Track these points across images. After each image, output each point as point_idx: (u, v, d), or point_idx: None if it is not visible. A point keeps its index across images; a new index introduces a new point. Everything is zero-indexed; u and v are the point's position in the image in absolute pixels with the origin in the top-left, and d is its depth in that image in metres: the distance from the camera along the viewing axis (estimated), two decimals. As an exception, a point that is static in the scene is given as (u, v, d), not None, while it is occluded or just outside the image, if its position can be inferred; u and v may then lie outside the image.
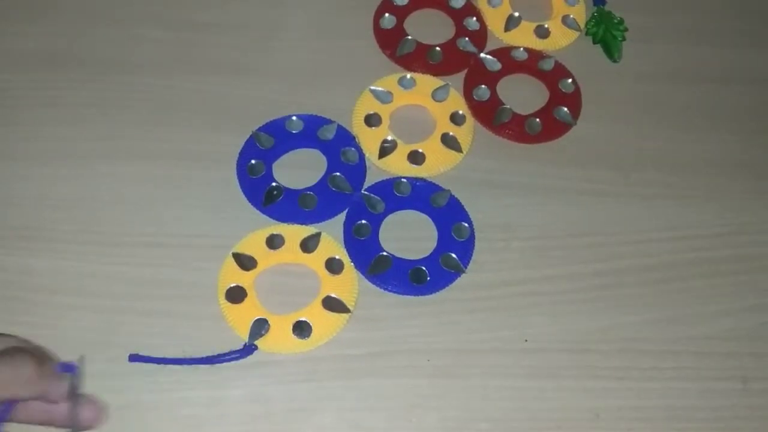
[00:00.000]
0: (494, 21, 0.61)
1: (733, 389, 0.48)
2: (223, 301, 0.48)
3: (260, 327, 0.47)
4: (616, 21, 0.61)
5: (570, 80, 0.58)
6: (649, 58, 0.61)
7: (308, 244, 0.50)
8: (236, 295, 0.48)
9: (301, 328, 0.47)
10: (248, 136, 0.53)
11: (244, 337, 0.47)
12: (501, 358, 0.48)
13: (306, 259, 0.49)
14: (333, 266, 0.49)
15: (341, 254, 0.50)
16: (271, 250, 0.49)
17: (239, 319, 0.47)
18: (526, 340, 0.49)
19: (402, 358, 0.47)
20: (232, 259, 0.49)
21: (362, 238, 0.51)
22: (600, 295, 0.51)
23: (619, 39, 0.61)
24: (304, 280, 0.49)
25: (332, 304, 0.48)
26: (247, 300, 0.48)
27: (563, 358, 0.48)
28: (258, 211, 0.51)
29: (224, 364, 0.46)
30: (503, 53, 0.59)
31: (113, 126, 0.54)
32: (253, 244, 0.49)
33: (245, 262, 0.49)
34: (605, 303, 0.50)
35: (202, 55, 0.58)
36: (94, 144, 0.53)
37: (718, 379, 0.48)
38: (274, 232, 0.50)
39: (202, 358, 0.45)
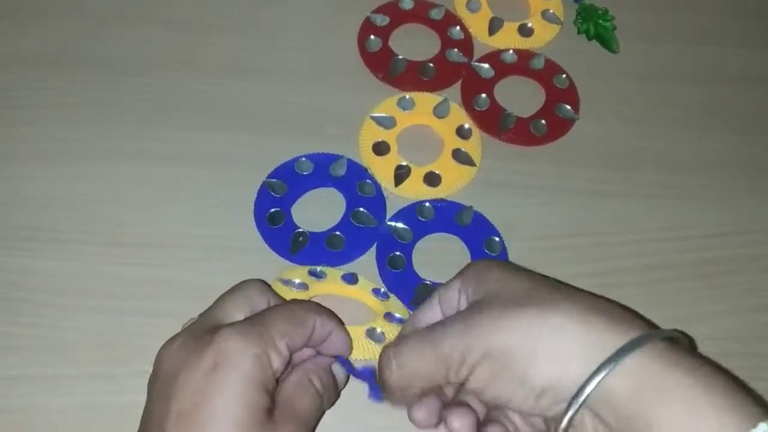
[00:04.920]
0: (477, 27, 0.60)
1: (733, 389, 0.48)
2: None
3: None
4: (601, 12, 0.61)
5: (564, 75, 0.59)
6: (648, 57, 0.61)
7: (348, 279, 0.49)
8: None
9: (375, 336, 0.46)
10: (260, 184, 0.52)
11: None
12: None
13: (352, 292, 0.49)
14: (380, 295, 0.49)
15: (383, 288, 0.49)
16: (317, 280, 0.48)
17: None
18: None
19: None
20: (282, 284, 0.48)
21: (398, 270, 0.50)
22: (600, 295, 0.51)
23: (611, 29, 0.61)
24: (356, 307, 0.49)
25: (393, 319, 0.48)
26: None
27: (564, 358, 0.48)
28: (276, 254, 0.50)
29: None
30: (493, 58, 0.59)
31: (113, 126, 0.54)
32: (297, 273, 0.49)
33: (298, 286, 0.48)
34: (605, 303, 0.51)
35: (202, 55, 0.58)
36: (94, 144, 0.53)
37: (719, 379, 0.48)
38: (317, 268, 0.49)
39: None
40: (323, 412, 0.41)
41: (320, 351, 0.41)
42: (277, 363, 0.36)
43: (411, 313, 0.43)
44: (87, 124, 0.54)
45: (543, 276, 0.38)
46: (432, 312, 0.40)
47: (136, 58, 0.57)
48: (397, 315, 0.48)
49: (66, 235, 0.50)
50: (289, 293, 0.48)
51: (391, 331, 0.47)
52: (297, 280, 0.48)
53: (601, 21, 0.61)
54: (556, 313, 0.34)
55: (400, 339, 0.38)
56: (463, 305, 0.38)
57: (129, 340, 0.47)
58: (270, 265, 0.49)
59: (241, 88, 0.56)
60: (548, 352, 0.33)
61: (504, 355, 0.34)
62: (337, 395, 0.42)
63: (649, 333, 0.33)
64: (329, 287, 0.49)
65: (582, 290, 0.37)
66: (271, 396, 0.36)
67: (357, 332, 0.46)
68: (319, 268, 0.49)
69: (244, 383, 0.35)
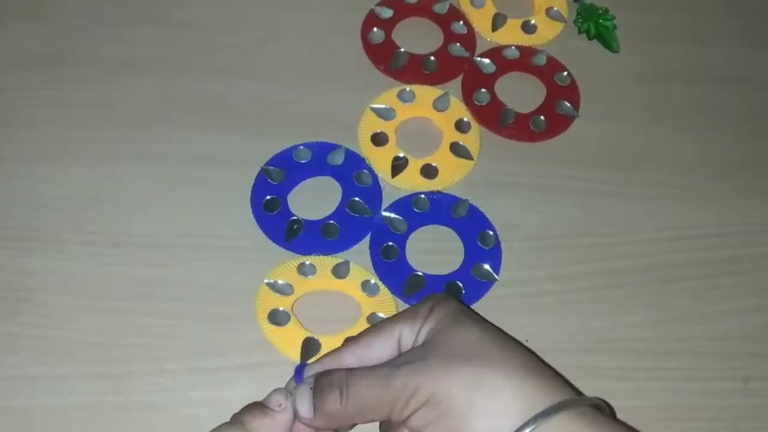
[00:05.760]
0: (480, 22, 0.61)
1: (734, 389, 0.48)
2: (266, 324, 0.47)
3: (311, 346, 0.46)
4: (601, 12, 0.61)
5: (565, 73, 0.59)
6: (648, 58, 0.61)
7: (339, 271, 0.49)
8: (279, 318, 0.47)
9: None
10: (257, 171, 0.52)
11: (295, 358, 0.46)
12: (501, 358, 0.48)
13: (340, 285, 0.49)
14: (368, 288, 0.49)
15: (373, 278, 0.49)
16: (304, 278, 0.49)
17: (286, 341, 0.47)
18: (527, 340, 0.48)
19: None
20: (267, 288, 0.48)
21: (391, 261, 0.50)
22: (600, 295, 0.51)
23: (611, 29, 0.61)
24: (343, 303, 0.49)
25: (377, 321, 0.47)
26: (290, 323, 0.47)
27: (564, 358, 0.48)
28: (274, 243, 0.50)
29: (224, 364, 0.46)
30: (495, 54, 0.59)
31: (113, 126, 0.54)
32: (285, 272, 0.49)
33: (282, 289, 0.48)
34: (605, 303, 0.51)
35: (202, 55, 0.58)
36: (94, 144, 0.53)
37: (719, 379, 0.49)
38: (305, 261, 0.49)
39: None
40: None
41: None
42: None
43: (351, 342, 0.41)
44: (87, 124, 0.54)
45: (492, 327, 0.39)
46: (384, 345, 0.40)
47: (137, 58, 0.57)
48: (382, 314, 0.48)
49: (66, 235, 0.50)
50: (274, 300, 0.48)
51: None
52: (281, 281, 0.48)
53: (601, 21, 0.61)
54: (497, 371, 0.36)
55: (352, 373, 0.38)
56: (420, 343, 0.39)
57: (129, 340, 0.47)
58: (269, 264, 0.49)
59: (242, 85, 0.56)
60: (485, 408, 0.35)
61: (444, 403, 0.36)
62: (275, 411, 0.39)
63: (576, 398, 0.36)
64: (316, 284, 0.49)
65: (521, 346, 0.38)
66: None
67: (335, 343, 0.46)
68: (308, 262, 0.49)
69: None
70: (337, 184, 0.53)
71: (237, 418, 0.38)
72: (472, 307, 0.49)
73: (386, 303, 0.48)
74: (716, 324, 0.50)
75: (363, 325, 0.47)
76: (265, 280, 0.48)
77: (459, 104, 0.57)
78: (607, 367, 0.48)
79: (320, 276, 0.49)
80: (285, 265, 0.49)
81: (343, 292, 0.49)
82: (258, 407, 0.38)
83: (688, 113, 0.59)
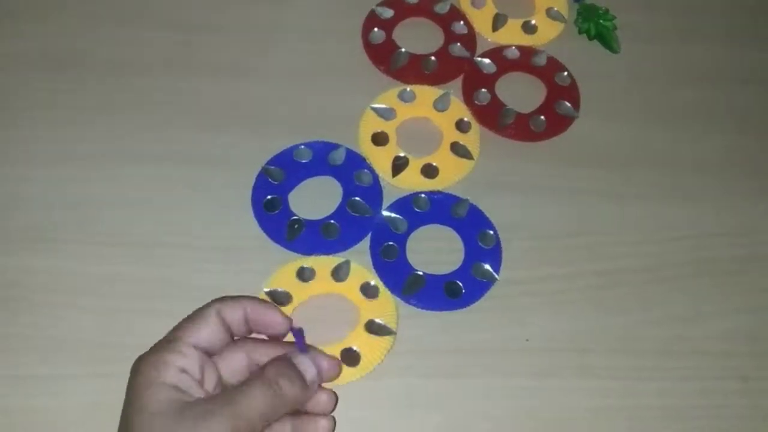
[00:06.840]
0: (481, 22, 0.61)
1: (733, 389, 0.48)
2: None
3: None
4: (602, 12, 0.61)
5: (565, 73, 0.59)
6: (648, 57, 0.61)
7: (339, 273, 0.49)
8: None
9: (350, 357, 0.46)
10: (258, 171, 0.52)
11: None
12: (502, 357, 0.48)
13: (340, 288, 0.49)
14: (368, 291, 0.49)
15: (374, 279, 0.49)
16: (304, 283, 0.49)
17: None
18: (527, 340, 0.49)
19: (403, 358, 0.47)
20: (267, 297, 0.48)
21: (391, 260, 0.50)
22: (600, 295, 0.51)
23: (612, 29, 0.61)
24: (342, 310, 0.49)
25: (375, 328, 0.48)
26: (289, 336, 0.47)
27: (564, 358, 0.48)
28: (274, 242, 0.50)
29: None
30: (496, 54, 0.59)
31: (114, 127, 0.54)
32: (284, 278, 0.49)
33: (280, 298, 0.48)
34: (605, 303, 0.51)
35: (203, 55, 0.58)
36: (94, 145, 0.53)
37: (718, 379, 0.48)
38: (304, 265, 0.49)
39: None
40: (288, 406, 0.39)
41: (262, 331, 0.42)
42: (179, 362, 0.38)
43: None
44: (87, 125, 0.54)
45: None
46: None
47: (137, 58, 0.57)
48: (380, 321, 0.48)
49: (66, 235, 0.50)
50: None
51: (368, 347, 0.47)
52: (280, 290, 0.48)
53: (602, 21, 0.61)
54: None
55: None
56: None
57: (129, 340, 0.46)
58: (269, 264, 0.49)
59: (242, 85, 0.57)
60: None
61: None
62: (309, 388, 0.40)
63: None
64: (315, 289, 0.49)
65: None
66: (196, 389, 0.38)
67: (332, 353, 0.46)
68: (308, 265, 0.49)
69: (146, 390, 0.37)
70: (337, 183, 0.53)
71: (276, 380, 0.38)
72: (473, 306, 0.49)
73: (385, 307, 0.48)
74: (716, 324, 0.50)
75: (361, 333, 0.47)
76: (264, 289, 0.48)
77: (459, 104, 0.57)
78: (607, 367, 0.48)
79: (320, 280, 0.49)
80: (284, 271, 0.49)
81: (343, 295, 0.49)
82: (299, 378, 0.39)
83: (688, 113, 0.59)
